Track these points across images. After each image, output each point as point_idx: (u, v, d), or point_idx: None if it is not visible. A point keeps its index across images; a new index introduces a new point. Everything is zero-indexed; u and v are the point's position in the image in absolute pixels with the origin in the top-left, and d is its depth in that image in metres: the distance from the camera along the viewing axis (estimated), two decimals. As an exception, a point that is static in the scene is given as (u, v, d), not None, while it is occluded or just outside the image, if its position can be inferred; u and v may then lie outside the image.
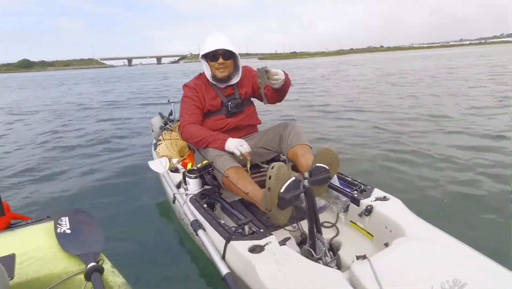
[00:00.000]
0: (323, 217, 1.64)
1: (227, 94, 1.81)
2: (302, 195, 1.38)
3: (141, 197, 2.48)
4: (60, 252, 1.10)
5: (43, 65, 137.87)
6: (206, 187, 1.68)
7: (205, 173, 1.62)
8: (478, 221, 1.99)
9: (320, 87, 10.79)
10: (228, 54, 1.71)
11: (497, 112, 5.19)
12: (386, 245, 1.21)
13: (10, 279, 0.97)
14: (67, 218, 1.26)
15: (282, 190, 1.27)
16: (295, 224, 1.52)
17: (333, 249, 1.46)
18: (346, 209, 1.60)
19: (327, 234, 1.53)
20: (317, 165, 1.47)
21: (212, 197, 1.62)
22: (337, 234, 1.55)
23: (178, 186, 1.72)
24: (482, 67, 14.78)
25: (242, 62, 1.82)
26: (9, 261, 1.03)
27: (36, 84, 22.59)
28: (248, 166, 1.65)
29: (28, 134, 5.55)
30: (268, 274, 1.04)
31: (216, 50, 1.67)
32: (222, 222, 1.40)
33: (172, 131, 2.16)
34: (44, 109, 8.93)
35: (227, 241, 1.24)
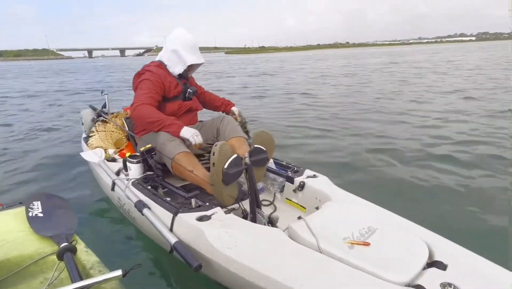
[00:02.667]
0: (261, 197, 1.76)
1: (183, 84, 1.98)
2: (243, 178, 1.47)
3: (75, 191, 2.43)
4: (32, 235, 1.12)
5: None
6: (148, 173, 1.72)
7: (149, 157, 1.66)
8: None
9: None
10: None
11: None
12: (317, 208, 1.42)
13: None
14: (39, 202, 1.29)
15: (225, 166, 1.37)
16: (236, 204, 1.63)
17: (272, 222, 1.58)
18: (282, 189, 1.75)
19: (265, 211, 1.65)
20: (255, 146, 1.59)
21: (155, 180, 1.67)
22: (275, 210, 1.69)
23: (118, 174, 1.74)
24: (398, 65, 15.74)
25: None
26: None
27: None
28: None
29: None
30: (216, 237, 1.16)
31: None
32: (168, 199, 1.46)
33: (107, 123, 2.13)
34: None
35: (175, 214, 1.31)
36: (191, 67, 1.95)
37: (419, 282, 0.96)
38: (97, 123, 2.14)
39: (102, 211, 2.15)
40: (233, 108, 2.15)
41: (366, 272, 0.97)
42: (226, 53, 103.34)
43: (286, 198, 1.73)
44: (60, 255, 0.99)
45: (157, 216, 1.37)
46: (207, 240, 1.16)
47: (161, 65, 1.91)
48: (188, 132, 1.69)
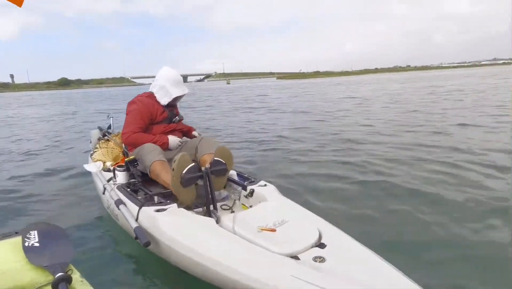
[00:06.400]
0: (224, 203, 2.03)
1: (169, 110, 2.42)
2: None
3: (77, 202, 2.76)
4: (28, 265, 1.11)
5: (79, 83, 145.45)
6: (132, 180, 2.10)
7: (132, 166, 2.04)
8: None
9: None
10: None
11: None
12: (250, 207, 1.81)
13: None
14: (36, 231, 1.29)
15: (184, 172, 1.69)
16: (200, 208, 1.90)
17: None
18: (240, 197, 2.00)
19: (225, 214, 1.89)
20: (215, 158, 1.87)
21: (136, 185, 2.04)
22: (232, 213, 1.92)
23: (109, 181, 2.16)
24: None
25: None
26: None
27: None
28: None
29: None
30: (166, 223, 1.55)
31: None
32: (139, 197, 1.84)
33: (109, 141, 2.59)
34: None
35: (140, 207, 1.70)
36: (176, 98, 2.37)
37: (299, 255, 1.26)
38: (100, 141, 2.62)
39: (97, 230, 2.26)
40: (194, 132, 2.60)
41: (261, 247, 1.31)
42: (278, 78, 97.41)
43: (242, 204, 1.97)
44: (55, 286, 0.99)
45: (129, 210, 1.75)
46: (158, 225, 1.56)
47: (151, 95, 2.37)
48: (174, 141, 2.28)
